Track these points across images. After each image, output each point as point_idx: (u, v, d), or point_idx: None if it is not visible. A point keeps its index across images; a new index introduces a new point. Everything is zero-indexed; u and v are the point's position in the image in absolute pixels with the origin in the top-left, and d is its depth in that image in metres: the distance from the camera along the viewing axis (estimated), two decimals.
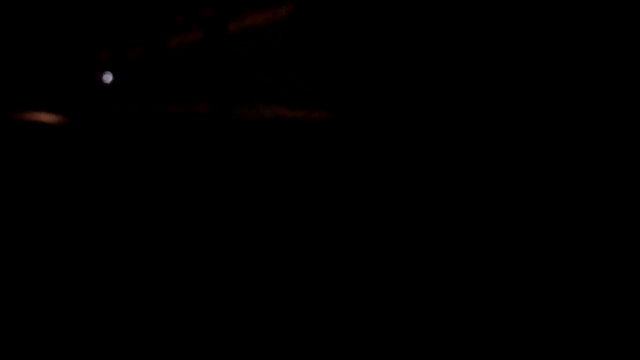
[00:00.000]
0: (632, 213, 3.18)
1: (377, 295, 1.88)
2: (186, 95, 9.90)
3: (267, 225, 2.67)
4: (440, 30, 6.25)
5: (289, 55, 8.23)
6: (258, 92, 8.80)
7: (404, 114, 6.54)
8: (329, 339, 1.57)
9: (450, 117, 5.99)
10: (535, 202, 3.58)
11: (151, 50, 11.91)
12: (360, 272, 2.09)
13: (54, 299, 1.96)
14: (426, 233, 2.71)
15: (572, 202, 3.41)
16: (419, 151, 5.69)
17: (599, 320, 1.64)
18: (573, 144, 4.47)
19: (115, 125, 11.23)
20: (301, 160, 4.87)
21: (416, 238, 2.57)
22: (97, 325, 1.73)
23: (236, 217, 2.66)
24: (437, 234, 2.71)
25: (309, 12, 7.84)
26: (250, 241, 2.40)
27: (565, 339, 1.53)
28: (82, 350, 1.52)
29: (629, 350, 1.45)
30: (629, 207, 3.30)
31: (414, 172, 4.76)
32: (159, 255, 2.25)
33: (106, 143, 8.09)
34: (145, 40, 11.99)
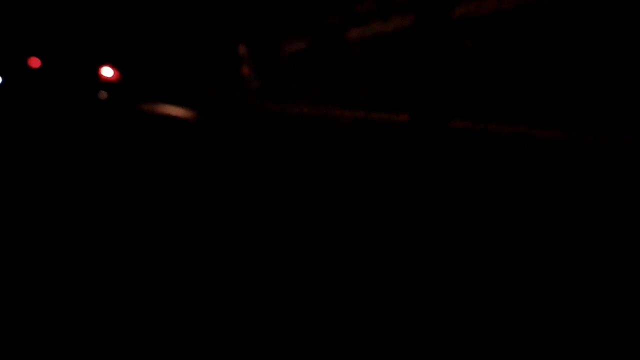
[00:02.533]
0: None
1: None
2: (362, 99, 8.94)
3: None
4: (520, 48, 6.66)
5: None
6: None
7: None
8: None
9: (518, 122, 6.44)
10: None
11: (320, 44, 10.80)
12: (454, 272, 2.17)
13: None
14: (505, 234, 2.76)
15: None
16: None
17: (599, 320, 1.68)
18: None
19: (267, 128, 10.56)
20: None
21: (499, 240, 2.65)
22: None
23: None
24: (515, 235, 2.74)
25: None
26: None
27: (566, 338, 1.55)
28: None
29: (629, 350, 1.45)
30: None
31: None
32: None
33: (255, 148, 7.23)
34: (314, 31, 11.24)
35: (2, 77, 31.16)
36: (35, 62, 32.16)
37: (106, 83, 31.94)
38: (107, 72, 32.36)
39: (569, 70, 5.75)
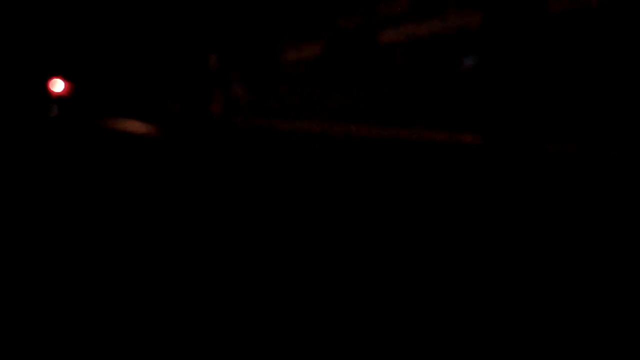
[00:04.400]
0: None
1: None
2: (402, 114, 7.37)
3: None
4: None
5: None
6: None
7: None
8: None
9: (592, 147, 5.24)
10: None
11: (337, 49, 9.06)
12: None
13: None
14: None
15: None
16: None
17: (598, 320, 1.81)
18: None
19: (260, 145, 9.54)
20: None
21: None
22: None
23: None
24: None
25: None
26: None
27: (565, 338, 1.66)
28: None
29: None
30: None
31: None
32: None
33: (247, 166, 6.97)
34: (327, 35, 9.57)
35: None
36: None
37: (57, 98, 30.64)
38: (57, 86, 30.91)
39: None
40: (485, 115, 6.40)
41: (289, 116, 11.19)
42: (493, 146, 6.20)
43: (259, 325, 1.79)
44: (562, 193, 5.21)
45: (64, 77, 30.46)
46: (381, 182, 7.57)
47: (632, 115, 5.24)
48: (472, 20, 6.75)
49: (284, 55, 11.52)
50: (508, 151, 6.04)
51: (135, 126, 22.16)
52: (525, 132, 5.94)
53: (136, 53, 30.33)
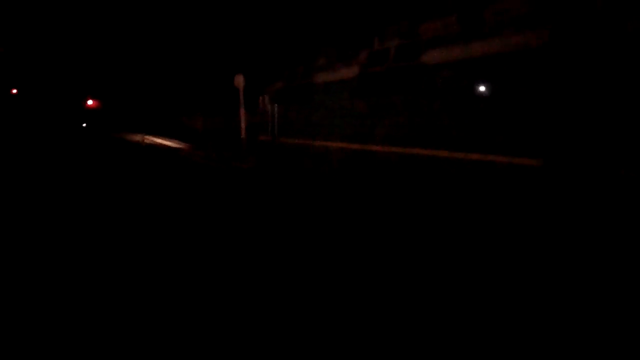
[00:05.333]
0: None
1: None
2: (449, 136, 6.52)
3: None
4: None
5: None
6: None
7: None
8: None
9: None
10: None
11: (373, 70, 8.04)
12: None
13: None
14: None
15: None
16: None
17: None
18: None
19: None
20: None
21: None
22: None
23: None
24: None
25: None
26: None
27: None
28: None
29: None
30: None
31: None
32: None
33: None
34: (364, 56, 8.89)
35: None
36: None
37: (88, 110, 36.57)
38: (89, 101, 37.23)
39: None
40: (547, 138, 5.97)
41: (322, 137, 10.82)
42: (558, 169, 5.78)
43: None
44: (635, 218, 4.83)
45: (94, 96, 37.06)
46: (439, 201, 7.18)
47: None
48: (528, 39, 6.36)
49: (318, 75, 11.24)
50: (576, 175, 5.61)
51: (156, 139, 22.31)
52: (594, 155, 5.50)
53: (166, 71, 30.54)
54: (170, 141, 22.35)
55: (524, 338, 2.43)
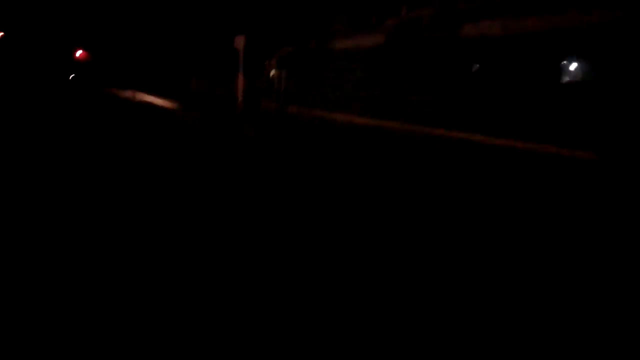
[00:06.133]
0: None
1: None
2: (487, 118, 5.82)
3: None
4: None
5: None
6: None
7: None
8: None
9: None
10: None
11: (400, 40, 7.17)
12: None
13: None
14: None
15: None
16: None
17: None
18: None
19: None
20: None
21: None
22: None
23: None
24: None
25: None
26: None
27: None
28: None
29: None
30: None
31: None
32: None
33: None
34: (389, 24, 7.85)
35: None
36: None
37: (77, 62, 34.58)
38: (77, 53, 35.15)
39: None
40: (602, 129, 5.33)
41: (336, 108, 10.04)
42: (614, 163, 5.16)
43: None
44: None
45: (85, 48, 34.92)
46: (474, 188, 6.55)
47: None
48: (587, 18, 5.63)
49: (334, 41, 10.41)
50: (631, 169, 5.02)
51: (148, 98, 21.65)
52: None
53: (163, 27, 29.49)
54: (163, 100, 21.57)
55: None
